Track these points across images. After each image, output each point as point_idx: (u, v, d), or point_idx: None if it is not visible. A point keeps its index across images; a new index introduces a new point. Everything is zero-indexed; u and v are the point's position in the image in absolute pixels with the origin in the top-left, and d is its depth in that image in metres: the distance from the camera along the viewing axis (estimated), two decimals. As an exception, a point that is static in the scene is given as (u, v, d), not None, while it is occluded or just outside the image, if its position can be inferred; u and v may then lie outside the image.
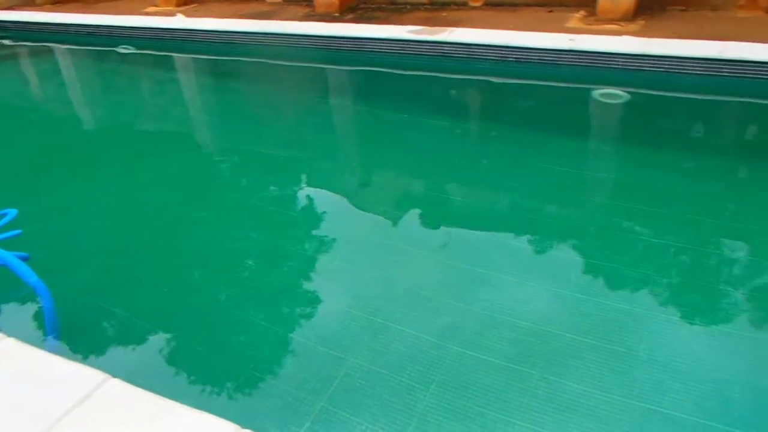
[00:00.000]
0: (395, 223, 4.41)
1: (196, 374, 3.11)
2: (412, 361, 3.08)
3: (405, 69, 7.85)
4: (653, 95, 6.31)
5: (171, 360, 3.22)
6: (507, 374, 2.98)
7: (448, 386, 2.92)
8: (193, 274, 3.96)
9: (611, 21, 8.01)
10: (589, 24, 8.06)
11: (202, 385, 3.04)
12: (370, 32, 8.13)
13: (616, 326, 3.25)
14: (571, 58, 6.67)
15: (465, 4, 9.76)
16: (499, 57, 7.14)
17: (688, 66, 6.07)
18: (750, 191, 4.59)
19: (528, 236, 4.13)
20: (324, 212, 4.68)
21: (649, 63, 6.28)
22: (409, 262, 3.92)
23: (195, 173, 5.50)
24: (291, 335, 3.33)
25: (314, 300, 3.62)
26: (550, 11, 8.94)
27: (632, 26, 7.77)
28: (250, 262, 4.05)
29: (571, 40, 6.82)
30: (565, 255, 3.91)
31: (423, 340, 3.21)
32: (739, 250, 3.85)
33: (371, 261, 3.96)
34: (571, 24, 8.15)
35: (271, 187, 5.17)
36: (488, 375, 2.98)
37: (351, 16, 9.80)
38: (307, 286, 3.76)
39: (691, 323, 3.24)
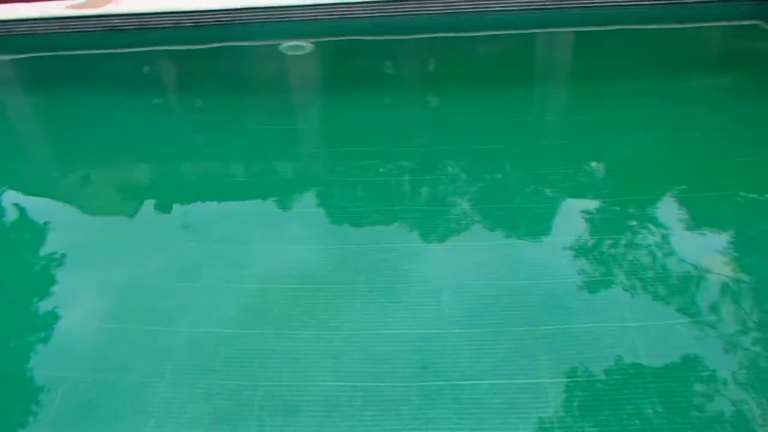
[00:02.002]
0: (110, 214, 4.17)
1: None
2: (140, 356, 2.98)
3: (71, 49, 7.17)
4: (333, 41, 6.77)
5: None
6: (244, 341, 3.06)
7: (186, 372, 2.90)
8: None
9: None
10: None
11: None
12: (19, 13, 7.19)
13: (337, 265, 3.53)
14: (249, 15, 6.78)
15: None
16: (173, 23, 6.92)
17: (358, 11, 6.62)
18: (441, 115, 5.30)
19: (246, 201, 4.24)
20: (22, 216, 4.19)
21: (323, 12, 6.69)
22: (124, 251, 3.74)
23: None
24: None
25: (21, 309, 3.26)
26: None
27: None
28: None
29: (245, -4, 6.93)
30: (285, 211, 4.13)
31: (148, 332, 3.12)
32: (447, 171, 4.45)
33: (85, 261, 3.68)
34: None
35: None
36: (222, 348, 3.02)
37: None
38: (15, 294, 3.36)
39: (407, 246, 3.68)
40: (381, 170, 4.45)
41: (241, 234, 3.86)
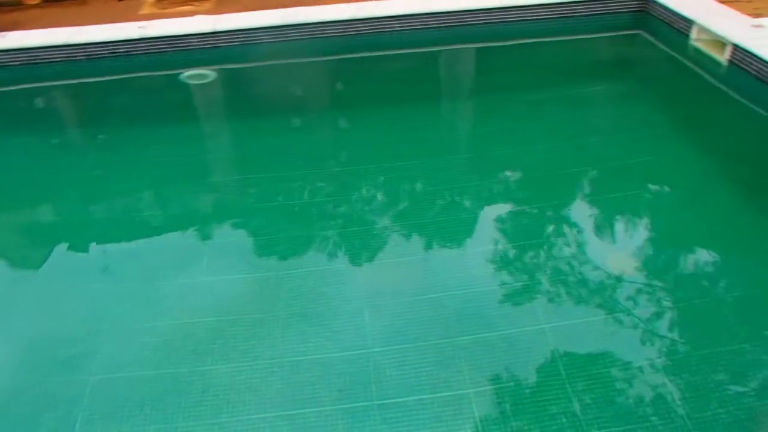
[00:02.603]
0: (6, 260, 3.93)
1: None
2: (46, 410, 2.81)
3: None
4: (237, 68, 6.72)
5: None
6: (158, 382, 2.95)
7: (97, 421, 2.76)
8: None
9: (185, 2, 8.16)
10: (163, 8, 8.07)
11: None
12: None
13: (254, 294, 3.48)
14: (147, 45, 6.63)
15: (20, 4, 8.75)
16: (65, 57, 6.66)
17: (260, 35, 6.61)
18: (351, 135, 5.37)
19: (156, 236, 4.14)
20: None
21: (224, 39, 6.63)
22: (22, 300, 3.54)
23: None
24: None
25: None
26: (121, 0, 8.68)
27: (206, 5, 8.06)
28: None
29: (140, 27, 6.76)
30: (197, 243, 4.03)
31: (53, 384, 2.95)
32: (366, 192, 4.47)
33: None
34: (144, 10, 8.05)
35: None
36: (135, 392, 2.90)
37: None
38: None
39: (316, 268, 3.67)
40: (294, 195, 4.44)
41: (152, 270, 3.74)
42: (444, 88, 6.41)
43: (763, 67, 5.25)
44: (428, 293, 3.46)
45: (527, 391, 2.87)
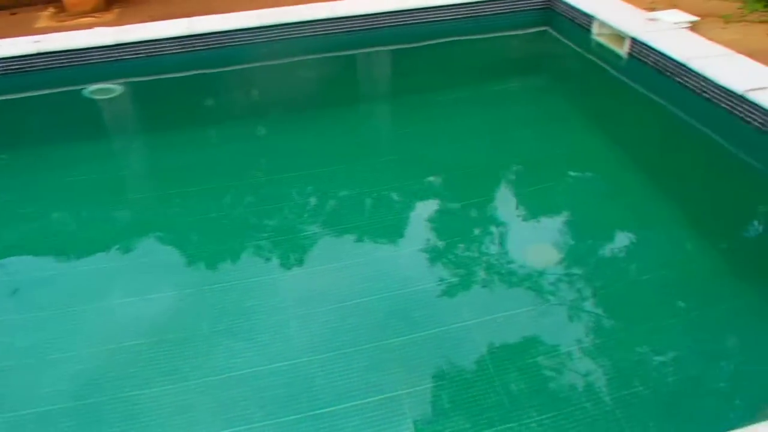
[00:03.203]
0: None
1: None
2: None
3: None
4: (145, 81, 6.52)
5: None
6: (77, 415, 2.83)
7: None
8: None
9: (84, 14, 7.86)
10: (61, 21, 7.75)
11: None
12: None
13: (176, 313, 3.40)
14: (45, 61, 6.33)
15: None
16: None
17: (166, 47, 6.45)
18: (272, 144, 5.31)
19: (67, 260, 3.96)
20: None
21: (128, 51, 6.43)
22: None
23: None
24: None
25: None
26: (14, 14, 8.25)
27: (108, 16, 7.79)
28: None
29: (36, 42, 6.45)
30: (113, 264, 3.89)
31: (-40, 428, 2.78)
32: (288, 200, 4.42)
33: None
34: (40, 24, 7.70)
35: None
36: (51, 429, 2.78)
37: None
38: None
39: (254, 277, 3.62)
40: (213, 207, 4.36)
41: (64, 297, 3.58)
42: (362, 92, 6.45)
43: (659, 58, 5.57)
44: (356, 298, 3.48)
45: (457, 387, 2.93)
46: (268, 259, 3.85)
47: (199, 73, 6.55)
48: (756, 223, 4.20)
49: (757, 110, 4.57)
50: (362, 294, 3.51)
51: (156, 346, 3.18)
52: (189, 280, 3.72)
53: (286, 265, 3.80)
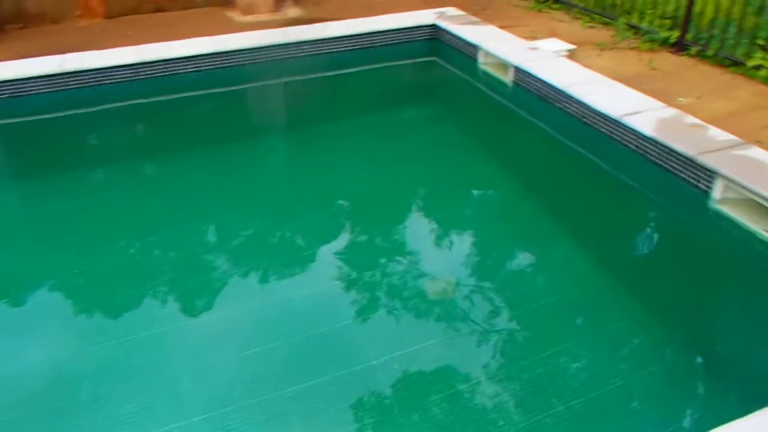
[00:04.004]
0: None
1: None
2: None
3: None
4: (11, 123, 6.10)
5: None
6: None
7: None
8: None
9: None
10: None
11: None
12: None
13: (52, 380, 3.14)
14: None
15: None
16: None
17: (34, 85, 6.07)
18: (162, 185, 5.05)
19: None
20: None
21: (-10, 92, 6.01)
22: None
23: None
24: None
25: None
26: None
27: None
28: None
29: None
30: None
31: None
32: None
33: None
34: None
35: None
36: None
37: None
38: None
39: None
40: (93, 260, 4.09)
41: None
42: (255, 127, 6.34)
43: (541, 86, 5.85)
44: (254, 346, 3.36)
45: (361, 432, 2.87)
46: (157, 311, 3.65)
47: (73, 114, 6.20)
48: (637, 240, 4.46)
49: (632, 134, 4.88)
50: (262, 341, 3.40)
51: (24, 420, 2.91)
52: (65, 341, 3.45)
53: (176, 316, 3.61)
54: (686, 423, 2.96)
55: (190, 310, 3.66)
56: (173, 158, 5.52)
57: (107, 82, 6.34)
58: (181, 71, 6.59)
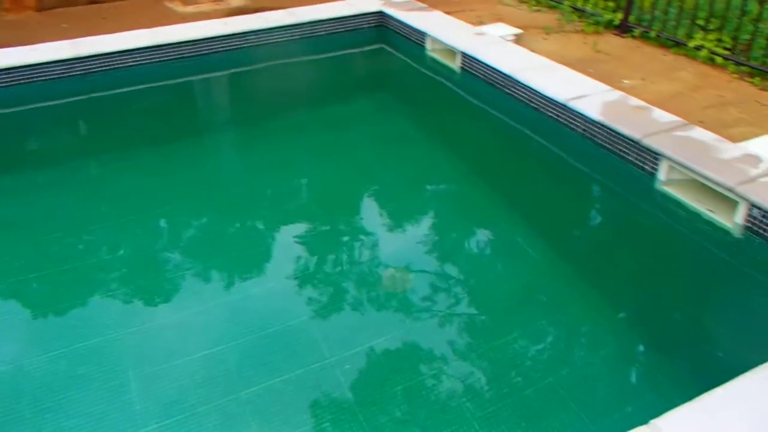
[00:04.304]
0: None
1: None
2: None
3: None
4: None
5: None
6: None
7: None
8: None
9: None
10: None
11: None
12: None
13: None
14: None
15: None
16: None
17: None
18: (88, 190, 4.84)
19: None
20: None
21: None
22: None
23: None
24: None
25: None
26: None
27: None
28: None
29: None
30: None
31: None
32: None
33: None
34: None
35: None
36: None
37: None
38: None
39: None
40: (30, 266, 3.92)
41: None
42: (197, 124, 6.17)
43: (488, 72, 5.88)
44: (204, 349, 3.28)
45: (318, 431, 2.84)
46: (100, 318, 3.53)
47: (1, 114, 5.94)
48: (587, 224, 4.53)
49: (579, 118, 4.94)
50: (213, 343, 3.32)
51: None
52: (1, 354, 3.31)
53: (122, 320, 3.49)
54: (639, 404, 3.02)
55: (136, 314, 3.55)
56: (113, 158, 5.32)
57: (39, 79, 6.08)
58: (120, 66, 6.38)
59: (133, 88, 6.38)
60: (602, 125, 4.73)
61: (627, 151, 4.59)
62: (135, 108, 6.19)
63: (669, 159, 4.26)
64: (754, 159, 4.11)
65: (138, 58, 6.47)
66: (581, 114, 4.90)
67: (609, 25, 7.26)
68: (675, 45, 6.56)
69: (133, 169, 5.09)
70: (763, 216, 3.74)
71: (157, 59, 6.57)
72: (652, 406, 2.69)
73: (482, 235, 4.32)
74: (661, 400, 2.82)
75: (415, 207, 4.69)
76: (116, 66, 6.38)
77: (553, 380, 3.07)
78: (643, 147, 4.43)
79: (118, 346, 3.33)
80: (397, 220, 4.50)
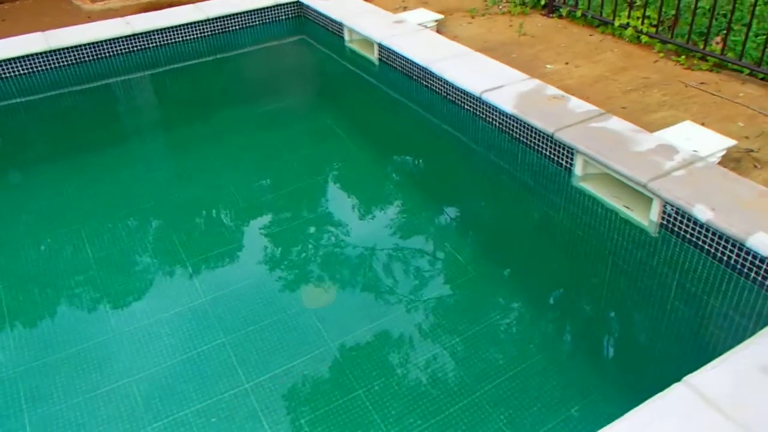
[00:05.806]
0: None
1: None
2: None
3: None
4: None
5: None
6: None
7: None
8: None
9: None
10: None
11: None
12: None
13: None
14: None
15: None
16: None
17: None
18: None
19: None
20: None
21: None
22: None
23: None
24: None
25: None
26: None
27: None
28: None
29: None
30: None
31: None
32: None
33: None
34: None
35: None
36: None
37: None
38: None
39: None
40: None
41: None
42: (127, 126, 5.81)
43: (405, 63, 5.63)
44: (108, 384, 3.03)
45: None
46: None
47: None
48: (505, 222, 4.33)
49: (494, 111, 4.73)
50: (117, 376, 3.07)
51: None
52: None
53: (17, 355, 3.21)
54: (576, 405, 2.84)
55: (35, 347, 3.26)
56: (14, 174, 4.99)
57: None
58: (10, 75, 5.98)
59: (29, 98, 5.98)
60: (516, 119, 4.53)
61: (542, 145, 4.40)
62: (32, 118, 5.79)
63: (582, 153, 4.08)
64: (670, 150, 3.93)
65: (31, 66, 6.07)
66: (495, 107, 4.68)
67: (536, 5, 7.05)
68: (601, 24, 6.39)
69: (38, 184, 4.76)
70: (677, 213, 3.57)
71: (55, 65, 6.18)
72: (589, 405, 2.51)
73: (397, 231, 4.08)
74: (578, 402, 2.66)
75: (333, 206, 4.39)
76: (6, 75, 5.98)
77: (477, 395, 2.88)
78: (557, 142, 4.23)
79: (14, 385, 3.07)
80: (317, 223, 4.20)
